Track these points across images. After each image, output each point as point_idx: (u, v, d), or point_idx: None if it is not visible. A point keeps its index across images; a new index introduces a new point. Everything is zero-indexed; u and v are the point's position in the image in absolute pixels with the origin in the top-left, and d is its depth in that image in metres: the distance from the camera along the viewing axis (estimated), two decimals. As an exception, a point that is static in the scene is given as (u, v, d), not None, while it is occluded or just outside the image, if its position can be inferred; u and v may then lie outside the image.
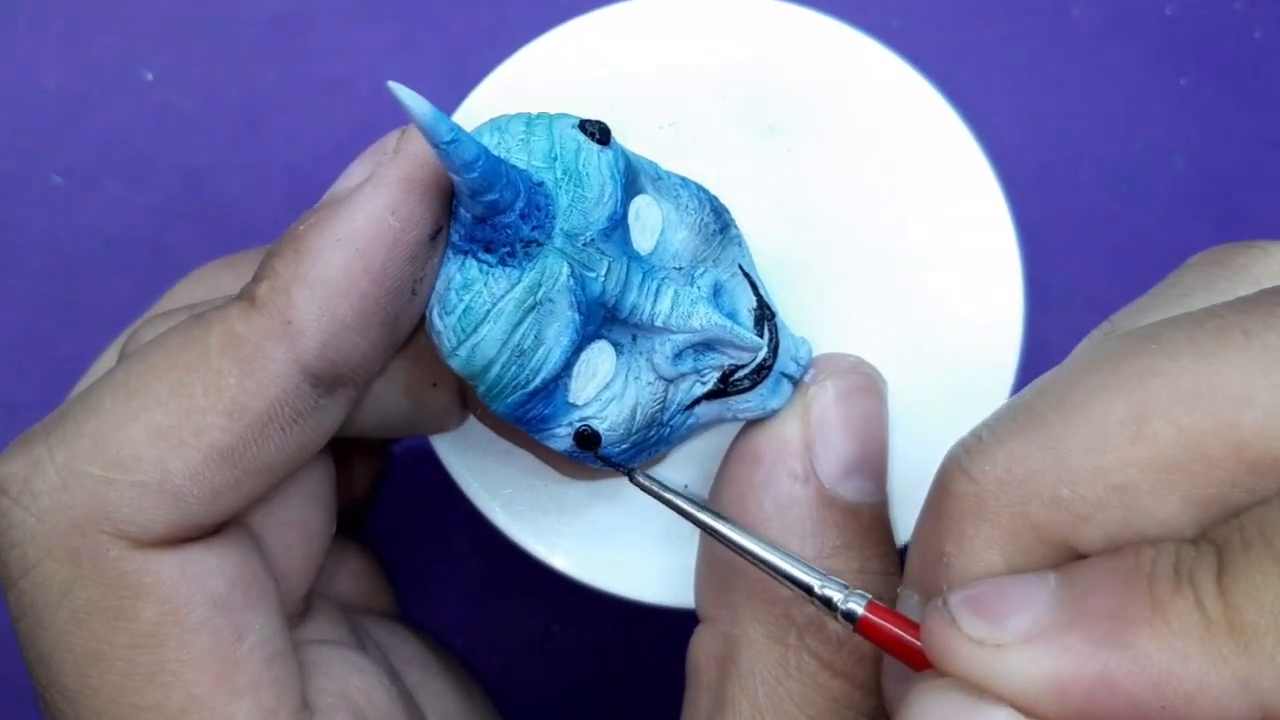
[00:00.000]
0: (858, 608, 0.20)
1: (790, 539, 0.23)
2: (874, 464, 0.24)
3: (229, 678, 0.21)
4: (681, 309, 0.23)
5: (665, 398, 0.24)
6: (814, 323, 0.26)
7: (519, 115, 0.22)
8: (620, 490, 0.26)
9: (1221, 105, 0.36)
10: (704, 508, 0.23)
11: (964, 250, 0.26)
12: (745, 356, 0.24)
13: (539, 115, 0.22)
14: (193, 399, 0.21)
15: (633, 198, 0.23)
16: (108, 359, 0.27)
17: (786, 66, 0.26)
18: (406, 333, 0.23)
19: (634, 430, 0.23)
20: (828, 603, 0.20)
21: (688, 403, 0.24)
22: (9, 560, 0.21)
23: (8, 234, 0.36)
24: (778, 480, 0.23)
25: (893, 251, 0.26)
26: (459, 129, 0.20)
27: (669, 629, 0.25)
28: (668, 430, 0.24)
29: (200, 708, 0.21)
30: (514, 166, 0.21)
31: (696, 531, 0.25)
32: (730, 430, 0.25)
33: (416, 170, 0.21)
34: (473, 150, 0.20)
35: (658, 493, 0.23)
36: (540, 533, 0.27)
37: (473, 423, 0.27)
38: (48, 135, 0.36)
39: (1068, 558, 0.18)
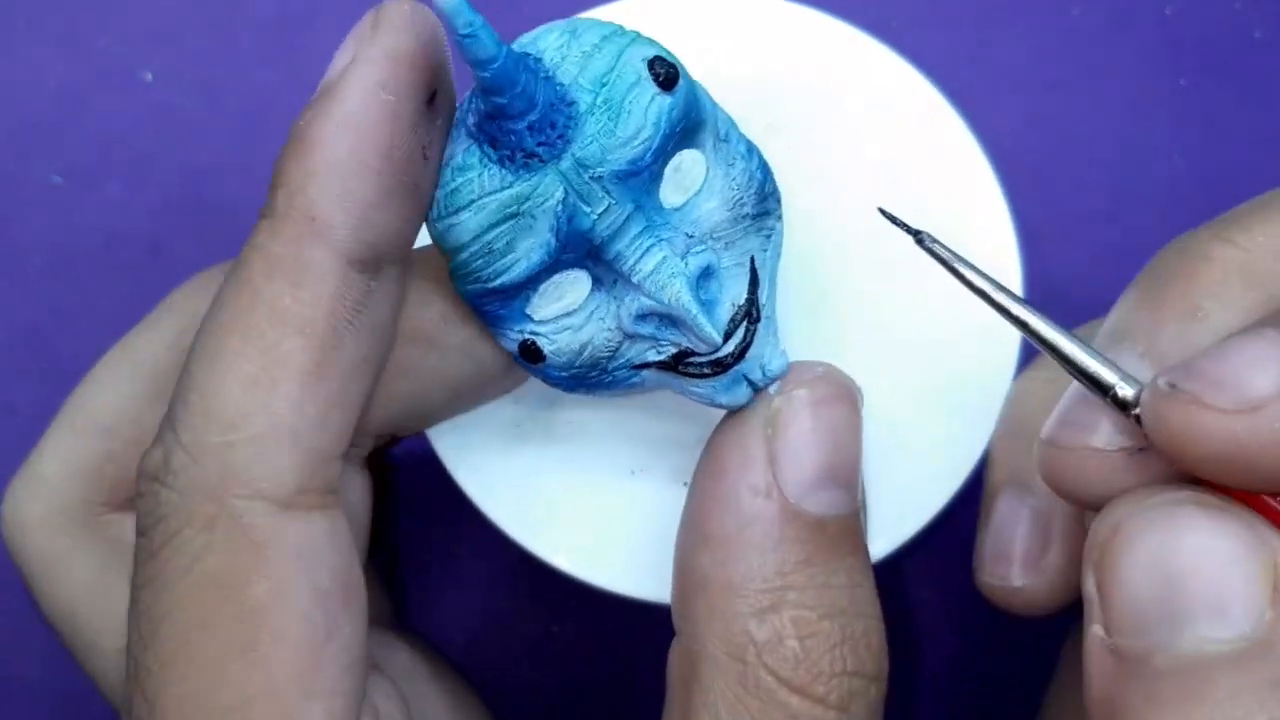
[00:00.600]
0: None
1: (751, 555, 0.22)
2: (844, 474, 0.23)
3: (309, 676, 0.21)
4: (660, 277, 0.23)
5: (618, 349, 0.24)
6: (815, 323, 0.26)
7: (604, 25, 0.22)
8: (622, 487, 0.26)
9: (1221, 105, 0.36)
10: (998, 286, 0.22)
11: (964, 250, 0.26)
12: (701, 347, 0.23)
13: (621, 34, 0.22)
14: (264, 336, 0.21)
15: (681, 150, 0.23)
16: (106, 366, 0.28)
17: (786, 65, 0.26)
18: (430, 193, 0.23)
19: (576, 364, 0.23)
20: (1123, 404, 0.20)
21: (637, 363, 0.24)
22: (154, 535, 0.21)
23: (8, 234, 0.36)
24: (739, 495, 0.23)
25: (893, 251, 0.26)
26: (479, 24, 0.20)
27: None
28: (609, 378, 0.24)
29: (272, 699, 0.21)
30: (540, 78, 0.21)
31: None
32: (714, 420, 0.25)
33: (399, 42, 0.21)
34: (489, 50, 0.20)
35: (949, 262, 0.22)
36: (540, 531, 0.27)
37: (472, 421, 0.27)
38: (48, 135, 0.36)
39: None
